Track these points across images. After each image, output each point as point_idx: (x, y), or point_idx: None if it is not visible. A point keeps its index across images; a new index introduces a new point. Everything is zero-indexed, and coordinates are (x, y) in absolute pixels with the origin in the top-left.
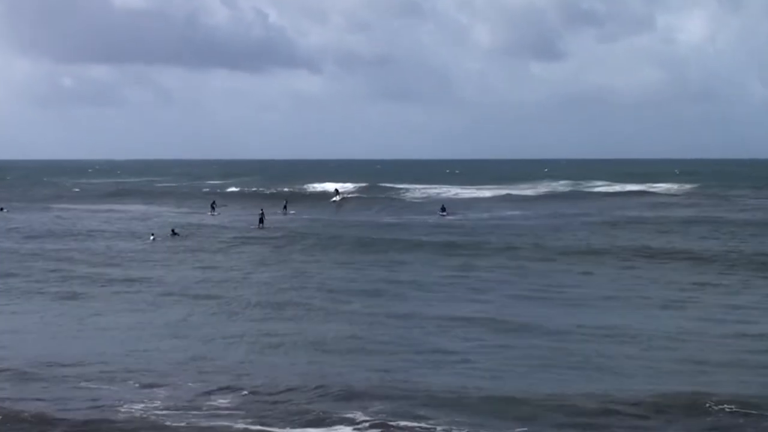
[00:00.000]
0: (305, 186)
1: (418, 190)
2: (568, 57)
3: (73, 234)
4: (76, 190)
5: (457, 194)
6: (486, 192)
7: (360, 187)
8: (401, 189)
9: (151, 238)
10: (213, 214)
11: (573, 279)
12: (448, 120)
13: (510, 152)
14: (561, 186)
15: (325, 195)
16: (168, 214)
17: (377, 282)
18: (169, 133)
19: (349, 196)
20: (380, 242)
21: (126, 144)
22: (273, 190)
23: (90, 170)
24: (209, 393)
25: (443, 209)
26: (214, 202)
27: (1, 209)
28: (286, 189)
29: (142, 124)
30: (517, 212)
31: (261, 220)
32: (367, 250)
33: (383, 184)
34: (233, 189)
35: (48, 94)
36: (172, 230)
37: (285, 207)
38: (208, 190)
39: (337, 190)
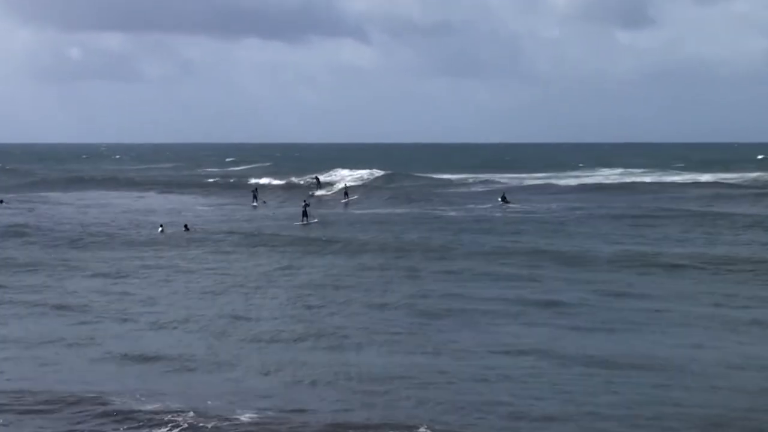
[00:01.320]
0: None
1: (469, 180)
2: (660, 23)
3: (93, 236)
4: (92, 176)
5: (522, 182)
6: (558, 180)
7: (409, 176)
8: (453, 179)
9: (159, 230)
10: (255, 205)
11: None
12: (517, 98)
13: (589, 134)
14: (634, 174)
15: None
16: (202, 207)
17: (506, 302)
18: (191, 113)
19: (389, 186)
20: (456, 245)
21: (141, 124)
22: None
23: (107, 152)
24: None
25: (504, 198)
26: (255, 190)
27: (1, 201)
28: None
29: (161, 101)
30: (579, 204)
31: (305, 213)
32: (447, 254)
33: (436, 175)
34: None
35: (52, 67)
36: (185, 226)
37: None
38: (253, 181)
39: (346, 191)
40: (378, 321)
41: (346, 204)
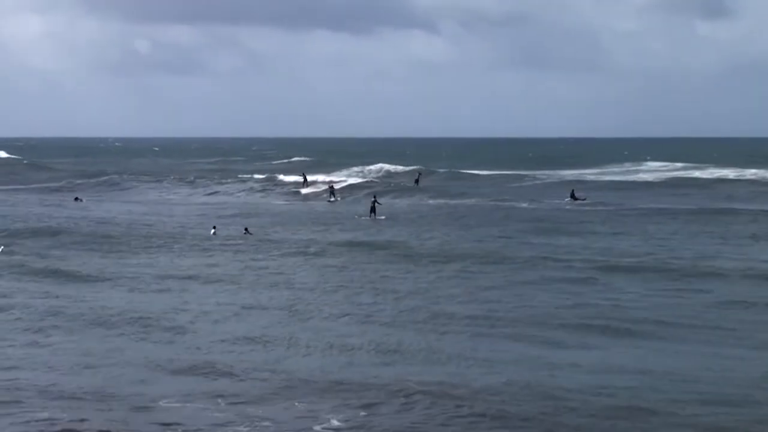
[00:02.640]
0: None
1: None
2: (742, 13)
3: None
4: (158, 171)
5: (597, 177)
6: (629, 176)
7: (459, 173)
8: (525, 174)
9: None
10: (332, 200)
11: None
12: (595, 91)
13: (672, 129)
14: (714, 170)
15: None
16: (277, 203)
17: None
18: (260, 106)
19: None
20: (550, 250)
21: (209, 118)
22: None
23: (174, 146)
24: None
25: (573, 195)
26: (332, 187)
27: (77, 199)
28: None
29: (229, 95)
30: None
31: (373, 209)
32: (543, 264)
33: (506, 171)
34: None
35: (119, 60)
36: (245, 229)
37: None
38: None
39: (332, 188)
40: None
41: (333, 202)
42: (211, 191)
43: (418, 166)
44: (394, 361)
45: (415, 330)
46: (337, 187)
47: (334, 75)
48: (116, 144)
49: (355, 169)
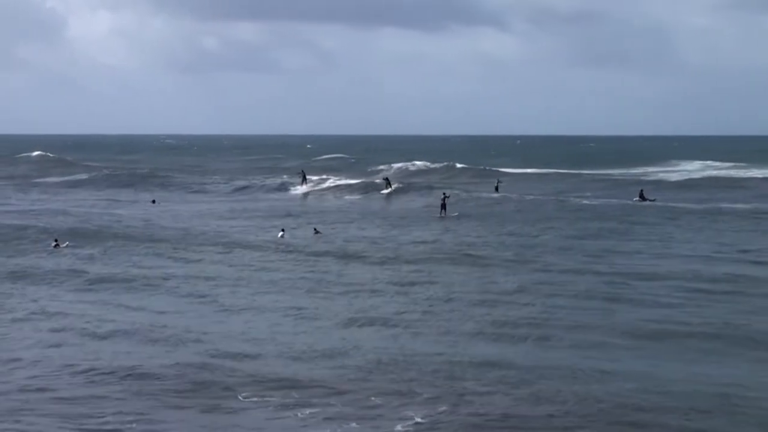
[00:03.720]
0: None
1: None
2: None
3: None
4: (227, 170)
5: (664, 177)
6: (709, 172)
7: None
8: (596, 174)
9: (280, 234)
10: (386, 192)
11: None
12: (667, 88)
13: (742, 127)
14: None
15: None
16: (339, 202)
17: None
18: (329, 104)
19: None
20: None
21: (277, 116)
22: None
23: (242, 143)
24: None
25: (642, 195)
26: (387, 179)
27: (153, 201)
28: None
29: (297, 92)
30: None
31: (443, 206)
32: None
33: (573, 170)
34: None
35: (187, 58)
36: (315, 229)
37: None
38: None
39: (387, 180)
40: None
41: (388, 194)
42: (257, 190)
43: (456, 166)
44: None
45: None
46: (332, 184)
47: (402, 73)
48: (167, 141)
49: (382, 167)
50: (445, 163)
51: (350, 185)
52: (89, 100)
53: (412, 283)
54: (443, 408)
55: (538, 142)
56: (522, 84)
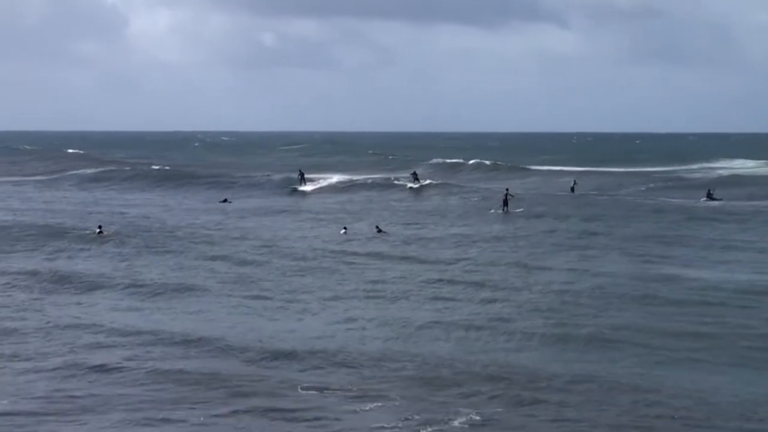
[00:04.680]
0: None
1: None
2: None
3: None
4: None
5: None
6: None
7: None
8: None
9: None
10: (413, 186)
11: None
12: (728, 85)
13: None
14: None
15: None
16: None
17: None
18: (387, 101)
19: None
20: None
21: (337, 113)
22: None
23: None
24: None
25: (710, 194)
26: (415, 173)
27: (225, 200)
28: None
29: (355, 89)
30: None
31: (506, 202)
32: None
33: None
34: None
35: (245, 54)
36: (377, 227)
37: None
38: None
39: (415, 174)
40: None
41: (416, 188)
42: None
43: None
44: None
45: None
46: (325, 184)
47: (461, 69)
48: (223, 138)
49: (421, 163)
50: (477, 161)
51: (368, 182)
52: (148, 97)
53: (480, 285)
54: (499, 408)
55: (597, 139)
56: (582, 81)
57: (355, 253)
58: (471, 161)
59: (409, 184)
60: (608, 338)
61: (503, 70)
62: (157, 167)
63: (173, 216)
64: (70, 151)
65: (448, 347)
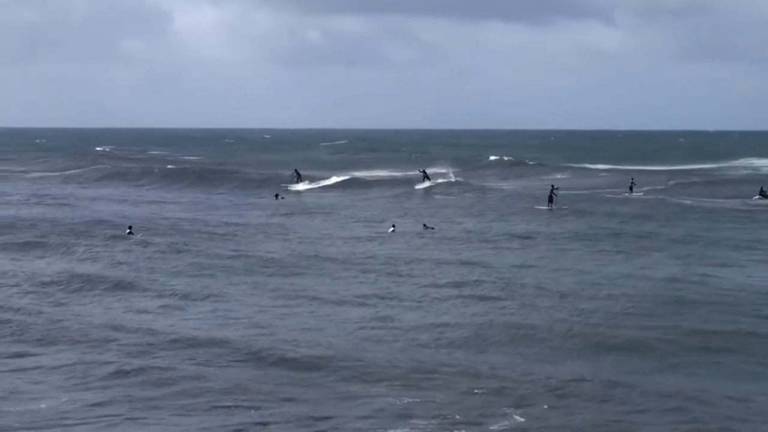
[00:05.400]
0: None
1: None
2: None
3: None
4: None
5: None
6: None
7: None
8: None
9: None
10: (425, 186)
11: None
12: None
13: None
14: None
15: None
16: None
17: None
18: (433, 98)
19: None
20: None
21: (381, 110)
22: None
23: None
24: None
25: (763, 192)
26: (424, 171)
27: (277, 196)
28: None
29: (401, 86)
30: None
31: (551, 199)
32: None
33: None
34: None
35: (291, 51)
36: (424, 225)
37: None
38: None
39: (425, 172)
40: None
41: (427, 188)
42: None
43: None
44: None
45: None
46: (325, 184)
47: (507, 66)
48: (265, 136)
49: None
50: (511, 158)
51: (371, 180)
52: (191, 94)
53: (528, 285)
54: (544, 406)
55: (642, 137)
56: (628, 78)
57: (417, 259)
58: (506, 158)
59: (418, 185)
60: (654, 344)
61: (549, 67)
62: (192, 162)
63: (210, 214)
64: (105, 149)
65: (496, 350)
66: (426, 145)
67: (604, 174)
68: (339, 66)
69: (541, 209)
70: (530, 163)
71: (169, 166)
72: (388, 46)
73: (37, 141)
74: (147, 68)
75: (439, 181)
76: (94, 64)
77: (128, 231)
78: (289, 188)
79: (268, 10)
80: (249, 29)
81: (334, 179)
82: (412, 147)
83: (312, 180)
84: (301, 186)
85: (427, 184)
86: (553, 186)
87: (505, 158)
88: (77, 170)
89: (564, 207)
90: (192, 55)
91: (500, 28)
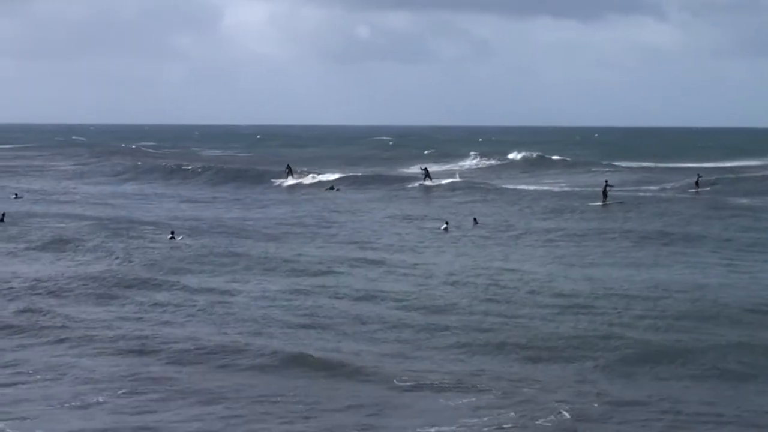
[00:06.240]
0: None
1: None
2: None
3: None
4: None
5: None
6: None
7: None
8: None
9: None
10: (427, 184)
11: None
12: None
13: None
14: None
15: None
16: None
17: None
18: (483, 94)
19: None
20: None
21: (431, 106)
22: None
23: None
24: None
25: None
26: (426, 169)
27: (332, 188)
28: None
29: (451, 83)
30: None
31: (605, 193)
32: None
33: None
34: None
35: (340, 48)
36: (474, 219)
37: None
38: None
39: (426, 170)
40: None
41: (429, 186)
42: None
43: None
44: None
45: None
46: (324, 179)
47: (558, 62)
48: (313, 132)
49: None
50: (559, 157)
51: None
52: (240, 91)
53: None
54: (592, 407)
55: (694, 134)
56: (680, 74)
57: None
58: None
59: (419, 182)
60: (707, 351)
61: (600, 63)
62: (239, 159)
63: (259, 212)
64: (151, 144)
65: (550, 347)
66: (462, 143)
67: (655, 171)
68: (387, 62)
69: (597, 205)
70: (581, 160)
71: (211, 165)
72: (437, 42)
73: (73, 138)
74: (196, 64)
75: (449, 180)
76: (142, 59)
77: (170, 236)
78: (285, 182)
79: (317, 7)
80: (298, 25)
81: (328, 176)
82: (448, 144)
83: (301, 175)
84: (291, 180)
85: (428, 182)
86: (606, 181)
87: (567, 159)
88: (94, 165)
89: (620, 202)
90: (241, 52)
91: (550, 23)
